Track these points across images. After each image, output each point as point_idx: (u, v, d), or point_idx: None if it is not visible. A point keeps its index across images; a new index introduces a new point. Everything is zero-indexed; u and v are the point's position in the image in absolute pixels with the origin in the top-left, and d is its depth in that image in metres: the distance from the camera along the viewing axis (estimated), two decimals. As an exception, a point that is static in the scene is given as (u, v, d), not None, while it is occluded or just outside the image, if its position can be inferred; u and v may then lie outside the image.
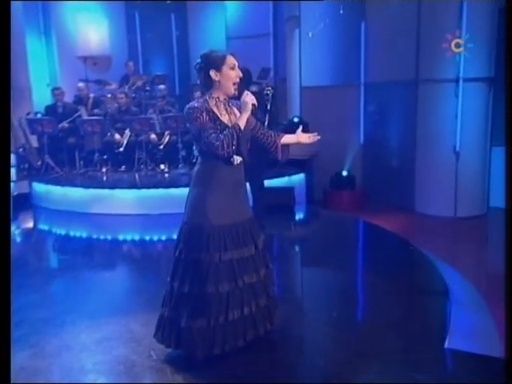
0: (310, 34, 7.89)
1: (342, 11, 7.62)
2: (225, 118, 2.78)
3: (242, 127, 2.70)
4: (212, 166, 2.76)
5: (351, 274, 4.52)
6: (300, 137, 3.13)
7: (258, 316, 2.88)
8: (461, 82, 6.59)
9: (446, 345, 3.10)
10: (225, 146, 2.63)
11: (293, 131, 7.71)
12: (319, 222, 6.78)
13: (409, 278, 4.32)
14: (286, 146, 3.10)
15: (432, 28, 6.71)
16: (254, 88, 7.80)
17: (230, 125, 2.74)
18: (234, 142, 2.65)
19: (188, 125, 2.85)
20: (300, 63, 8.05)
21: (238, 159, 2.79)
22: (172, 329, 2.78)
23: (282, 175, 7.04)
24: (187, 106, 2.76)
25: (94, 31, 10.21)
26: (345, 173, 7.75)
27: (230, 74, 2.74)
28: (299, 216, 6.66)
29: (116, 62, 10.36)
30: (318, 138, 3.13)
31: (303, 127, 7.84)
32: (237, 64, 2.78)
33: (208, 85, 2.79)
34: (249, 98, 2.75)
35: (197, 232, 2.74)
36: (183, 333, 2.73)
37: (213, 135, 2.65)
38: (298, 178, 7.29)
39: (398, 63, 7.22)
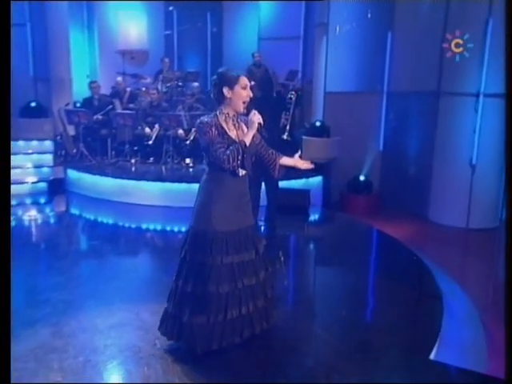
0: (337, 29, 7.88)
1: (369, 19, 7.64)
2: (232, 133, 2.93)
3: (248, 144, 2.85)
4: (218, 177, 2.92)
5: (349, 280, 4.61)
6: (297, 161, 3.18)
7: (255, 315, 3.04)
8: (481, 96, 6.54)
9: (432, 356, 3.19)
10: (230, 160, 2.78)
11: (314, 134, 7.82)
12: (330, 226, 6.88)
13: (405, 287, 4.36)
14: (283, 166, 3.18)
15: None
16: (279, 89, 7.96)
17: (236, 139, 2.89)
18: (240, 157, 2.80)
19: (198, 137, 3.01)
20: (325, 69, 8.09)
21: (242, 172, 2.93)
22: (174, 323, 2.98)
23: (300, 177, 7.15)
24: (198, 120, 2.93)
25: (133, 27, 10.48)
26: (362, 177, 7.79)
27: (242, 93, 2.89)
28: (312, 218, 6.74)
29: (152, 56, 10.60)
30: (312, 166, 3.18)
31: (324, 132, 7.99)
32: (249, 85, 2.92)
33: (220, 100, 2.93)
34: (256, 118, 2.89)
35: (201, 236, 2.91)
36: (184, 328, 2.92)
37: (220, 149, 2.81)
38: (316, 180, 7.38)
39: (421, 74, 7.20)
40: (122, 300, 3.81)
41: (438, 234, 6.95)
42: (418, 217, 7.34)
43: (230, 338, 2.96)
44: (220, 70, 3.07)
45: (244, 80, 2.91)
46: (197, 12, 11.10)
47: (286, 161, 3.18)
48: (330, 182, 7.75)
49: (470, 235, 6.88)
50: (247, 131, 2.91)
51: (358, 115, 7.83)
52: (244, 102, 2.92)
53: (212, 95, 3.00)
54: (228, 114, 2.93)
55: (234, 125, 2.96)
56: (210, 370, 2.87)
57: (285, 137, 7.23)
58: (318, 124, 7.90)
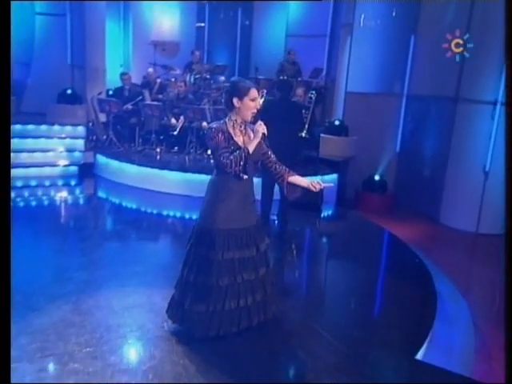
0: (362, 30, 7.86)
1: (393, 22, 7.63)
2: (239, 139, 3.06)
3: (251, 151, 2.98)
4: (224, 178, 3.07)
5: (348, 277, 4.75)
6: (310, 184, 3.14)
7: (253, 309, 3.20)
8: (498, 105, 6.51)
9: (419, 356, 3.32)
10: (233, 164, 2.94)
11: (333, 133, 7.84)
12: (339, 223, 6.97)
13: (402, 288, 4.46)
14: (296, 186, 3.16)
15: (477, 50, 6.61)
16: (302, 89, 8.04)
17: (242, 145, 3.02)
18: (242, 163, 2.95)
19: (207, 141, 3.17)
20: (348, 69, 8.12)
21: (244, 176, 3.05)
22: (178, 308, 3.19)
23: (315, 174, 7.25)
24: (208, 126, 3.10)
25: (166, 19, 10.69)
26: (377, 177, 7.85)
27: (250, 104, 3.02)
28: (324, 215, 6.84)
29: (183, 48, 10.80)
30: (330, 185, 3.24)
31: (343, 131, 8.02)
32: (258, 97, 3.04)
33: (230, 107, 3.08)
34: (261, 128, 3.02)
35: (205, 232, 3.10)
36: (186, 313, 3.13)
37: (224, 154, 2.96)
38: (331, 178, 7.43)
39: (441, 80, 7.19)
40: (136, 283, 4.04)
41: (447, 236, 7.00)
42: (429, 218, 7.38)
43: (227, 327, 3.13)
44: (233, 79, 3.22)
45: (254, 93, 3.02)
46: (228, 6, 11.21)
47: (299, 181, 3.16)
48: (345, 180, 7.83)
49: (479, 240, 6.90)
50: (252, 139, 3.04)
51: (377, 116, 7.87)
52: (252, 113, 3.04)
53: (223, 101, 3.15)
54: (236, 120, 3.07)
55: (241, 131, 3.09)
56: (211, 354, 3.07)
57: (303, 134, 7.31)
58: (336, 123, 7.98)
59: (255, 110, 3.06)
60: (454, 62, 6.94)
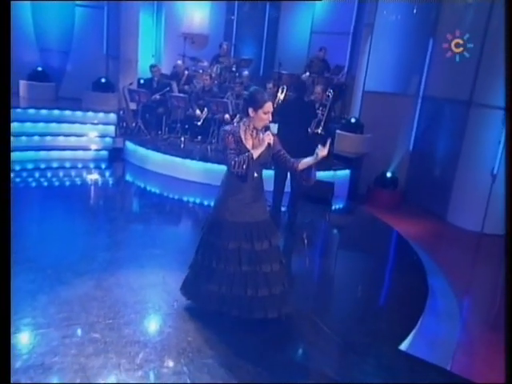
0: (382, 31, 7.88)
1: (413, 25, 7.63)
2: (248, 143, 3.26)
3: (255, 156, 3.17)
4: (233, 176, 3.28)
5: (344, 268, 4.95)
6: (316, 156, 3.25)
7: (268, 301, 3.35)
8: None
9: (402, 347, 3.53)
10: (236, 166, 3.16)
11: (348, 130, 7.96)
12: (347, 217, 7.12)
13: (396, 282, 4.65)
14: (308, 169, 3.34)
15: (492, 55, 6.60)
16: (321, 87, 8.12)
17: (250, 149, 3.22)
18: (245, 166, 3.14)
19: (220, 142, 3.39)
20: (366, 68, 8.18)
21: (250, 176, 3.25)
22: (193, 287, 3.50)
23: (329, 169, 7.41)
24: (222, 128, 3.32)
25: (197, 12, 10.87)
26: (389, 174, 7.95)
27: (263, 116, 3.22)
28: (333, 209, 6.99)
29: (212, 41, 10.97)
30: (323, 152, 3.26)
31: (358, 128, 8.12)
32: (271, 111, 3.22)
33: (245, 113, 3.29)
34: (267, 138, 3.20)
35: (215, 223, 3.36)
36: (200, 291, 3.44)
37: (231, 155, 3.18)
38: (344, 173, 7.61)
39: (456, 83, 7.22)
40: (153, 265, 4.35)
41: (453, 234, 7.10)
42: (436, 216, 7.48)
43: (236, 310, 3.38)
44: (252, 89, 3.36)
45: (268, 107, 3.20)
46: (256, 2, 11.30)
47: (305, 162, 3.29)
48: (358, 175, 7.95)
49: (483, 239, 6.98)
50: (258, 146, 3.22)
51: (392, 115, 7.93)
52: (264, 124, 3.23)
53: (241, 107, 3.35)
54: (249, 126, 3.27)
55: (252, 135, 3.28)
56: (214, 333, 3.34)
57: (319, 131, 7.46)
58: (353, 120, 8.07)
59: (267, 122, 3.24)
60: (469, 67, 6.97)
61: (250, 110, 3.21)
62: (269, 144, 3.22)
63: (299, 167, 3.33)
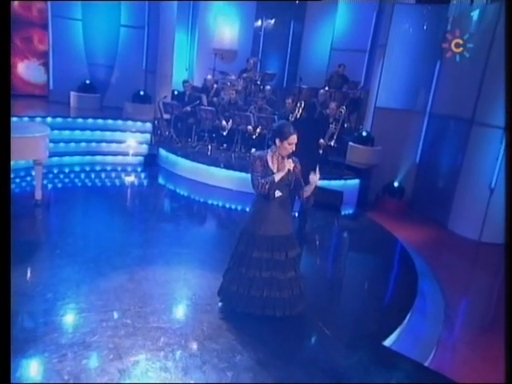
0: (393, 52, 8.07)
1: (422, 48, 7.81)
2: (274, 167, 3.59)
3: (277, 180, 3.51)
4: (261, 196, 3.62)
5: (345, 271, 5.23)
6: (311, 184, 3.58)
7: (278, 302, 3.73)
8: (507, 131, 6.63)
9: (386, 343, 3.83)
10: (260, 187, 3.52)
11: (360, 142, 8.20)
12: (352, 223, 7.34)
13: (388, 285, 4.91)
14: (310, 193, 3.68)
15: (494, 80, 6.74)
16: (335, 103, 8.40)
17: (275, 172, 3.55)
18: (267, 187, 3.50)
19: (250, 165, 3.71)
20: (378, 86, 8.40)
21: (277, 194, 3.58)
22: (223, 286, 3.90)
23: (340, 178, 7.70)
24: (252, 153, 3.72)
25: (227, 30, 11.28)
26: (396, 184, 8.17)
27: (287, 147, 3.53)
28: (341, 216, 7.25)
29: (240, 56, 11.36)
30: (317, 178, 3.55)
31: (369, 141, 8.37)
32: (295, 142, 3.53)
33: (273, 142, 3.62)
34: (288, 165, 3.54)
35: (244, 234, 3.74)
36: (223, 290, 3.86)
37: (257, 177, 3.54)
38: (353, 182, 7.85)
39: (460, 103, 7.37)
40: (176, 262, 4.78)
41: (452, 241, 7.28)
42: (438, 224, 7.65)
43: (251, 309, 3.74)
44: (280, 123, 3.77)
45: (292, 139, 3.51)
46: (282, 20, 11.63)
47: (307, 190, 3.62)
48: (368, 185, 8.16)
49: (480, 247, 7.13)
50: (279, 171, 3.54)
51: (401, 130, 8.15)
52: (288, 152, 3.53)
53: (270, 136, 3.67)
54: (275, 152, 3.59)
55: (278, 161, 3.60)
56: (224, 322, 3.75)
57: (332, 143, 7.77)
58: (364, 134, 8.31)
59: (291, 151, 3.54)
60: (473, 88, 7.12)
61: (277, 141, 3.53)
62: (289, 170, 3.55)
63: (304, 195, 3.68)
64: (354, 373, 3.40)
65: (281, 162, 3.61)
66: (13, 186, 6.86)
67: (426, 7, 7.85)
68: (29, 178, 6.97)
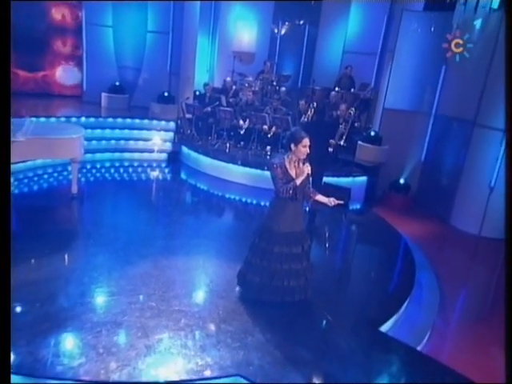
0: (401, 57, 8.12)
1: (428, 53, 7.83)
2: (292, 172, 3.81)
3: (298, 184, 3.75)
4: (280, 198, 3.83)
5: (349, 261, 5.42)
6: (328, 201, 3.96)
7: (296, 289, 4.01)
8: (507, 133, 6.66)
9: (382, 328, 4.03)
10: (283, 191, 3.74)
11: (368, 141, 8.27)
12: (358, 218, 7.46)
13: (389, 275, 5.09)
14: (318, 200, 4.00)
15: (495, 84, 6.75)
16: (345, 105, 8.50)
17: (294, 177, 3.76)
18: (290, 191, 3.74)
19: (269, 171, 3.89)
20: (386, 88, 8.45)
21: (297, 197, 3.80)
22: (243, 277, 4.13)
23: (348, 176, 7.83)
24: (271, 160, 3.88)
25: (246, 34, 11.42)
26: (402, 181, 8.25)
27: (302, 149, 3.75)
28: (349, 211, 7.37)
29: (258, 58, 11.49)
30: (339, 202, 3.99)
31: (377, 140, 8.47)
32: (308, 144, 3.74)
33: (289, 149, 3.82)
34: (306, 169, 3.77)
35: (265, 231, 3.96)
36: (246, 281, 4.08)
37: (279, 183, 3.75)
38: (361, 179, 7.97)
39: (464, 105, 7.40)
40: (196, 252, 5.04)
41: (453, 235, 7.35)
42: (441, 219, 7.73)
43: (273, 297, 3.99)
44: (293, 129, 3.98)
45: (306, 142, 3.72)
46: (297, 25, 11.67)
47: (320, 198, 3.97)
48: (375, 181, 8.25)
49: (480, 241, 7.19)
50: (299, 176, 3.76)
51: (407, 130, 8.21)
52: (303, 155, 3.75)
53: (285, 143, 3.87)
54: (292, 158, 3.81)
55: (295, 166, 3.82)
56: (239, 306, 3.99)
57: (341, 143, 7.90)
58: (372, 133, 8.41)
59: (305, 155, 3.77)
60: (476, 91, 7.14)
61: (292, 146, 3.75)
62: (308, 174, 3.79)
63: (314, 197, 3.97)
64: (353, 354, 3.61)
65: (298, 167, 3.82)
66: (51, 179, 7.27)
67: (432, 14, 7.85)
68: (65, 173, 7.34)
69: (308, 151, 3.77)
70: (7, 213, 2.50)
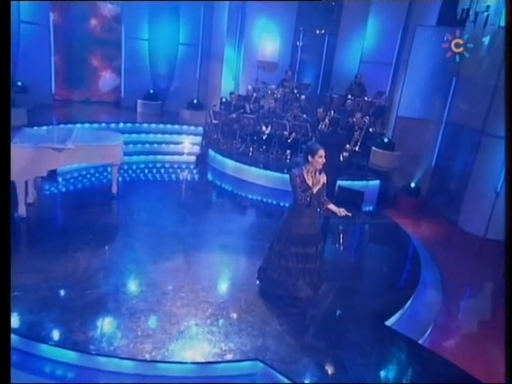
0: (414, 67, 8.12)
1: (440, 66, 7.84)
2: (310, 181, 3.98)
3: (315, 192, 3.93)
4: (298, 204, 4.03)
5: (358, 259, 5.55)
6: (338, 211, 4.08)
7: (310, 285, 4.22)
8: (507, 134, 6.63)
9: (388, 323, 4.20)
10: (302, 199, 3.93)
11: (382, 147, 8.37)
12: (370, 219, 7.48)
13: (394, 274, 5.21)
14: (329, 209, 4.14)
15: (503, 96, 6.72)
16: (360, 113, 8.58)
17: (311, 186, 3.95)
18: (308, 199, 3.93)
19: (289, 181, 4.05)
20: (400, 97, 8.49)
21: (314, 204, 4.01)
22: (263, 273, 4.35)
23: (362, 179, 7.94)
24: (292, 171, 4.02)
25: (269, 43, 11.57)
26: (413, 184, 8.30)
27: (318, 160, 3.92)
28: (362, 212, 7.46)
29: (280, 66, 11.64)
30: (348, 214, 4.08)
31: (390, 146, 8.53)
32: (324, 154, 3.90)
33: (306, 160, 4.00)
34: (322, 179, 3.97)
35: (283, 233, 4.17)
36: (265, 277, 4.31)
37: (298, 192, 3.94)
38: (375, 183, 8.03)
39: (473, 115, 7.40)
40: (217, 250, 5.28)
41: (461, 237, 7.38)
42: (450, 221, 7.75)
43: (289, 292, 4.21)
44: (309, 143, 4.15)
45: (321, 153, 3.88)
46: (317, 35, 11.74)
47: (331, 207, 4.10)
48: (387, 185, 8.32)
49: (485, 243, 7.21)
50: (316, 185, 3.94)
51: (419, 136, 8.25)
52: (320, 165, 3.92)
53: (302, 156, 4.05)
54: (309, 169, 3.97)
55: (312, 176, 3.98)
56: (259, 302, 4.23)
57: (356, 148, 8.02)
58: (385, 140, 8.48)
59: (321, 165, 3.94)
60: (484, 102, 7.14)
61: (309, 157, 3.93)
62: (323, 184, 3.99)
63: (326, 206, 4.10)
64: (361, 344, 3.80)
65: (314, 177, 3.99)
66: (93, 179, 7.68)
67: (444, 28, 7.84)
68: (105, 173, 7.72)
69: (324, 161, 3.92)
70: (7, 213, 2.48)
